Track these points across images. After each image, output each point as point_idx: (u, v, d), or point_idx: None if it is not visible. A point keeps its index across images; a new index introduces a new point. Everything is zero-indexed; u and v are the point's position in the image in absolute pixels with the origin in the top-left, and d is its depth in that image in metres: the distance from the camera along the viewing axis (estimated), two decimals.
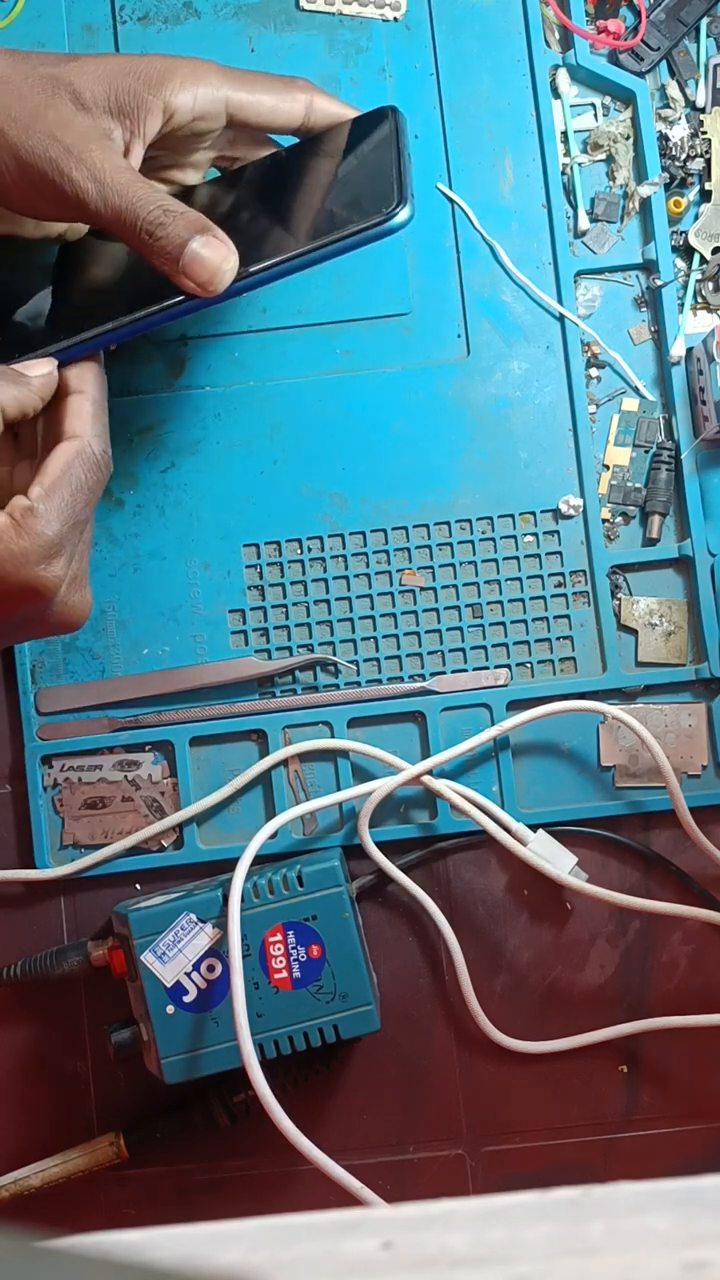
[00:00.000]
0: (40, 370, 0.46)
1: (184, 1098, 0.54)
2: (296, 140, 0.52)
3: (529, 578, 0.57)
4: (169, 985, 0.50)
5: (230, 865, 0.53)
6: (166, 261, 0.45)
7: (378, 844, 0.55)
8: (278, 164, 0.52)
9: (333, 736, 0.57)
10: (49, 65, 0.46)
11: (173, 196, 0.46)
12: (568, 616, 0.57)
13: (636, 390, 0.58)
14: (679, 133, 0.58)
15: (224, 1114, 0.53)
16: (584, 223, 0.58)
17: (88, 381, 0.47)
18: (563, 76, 0.59)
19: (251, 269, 0.46)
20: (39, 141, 0.45)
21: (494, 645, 0.57)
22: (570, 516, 0.57)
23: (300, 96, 0.49)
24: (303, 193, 0.49)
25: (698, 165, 0.58)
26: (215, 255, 0.45)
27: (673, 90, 0.59)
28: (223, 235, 0.46)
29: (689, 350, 0.57)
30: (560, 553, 0.57)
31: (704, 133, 0.58)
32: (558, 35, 0.59)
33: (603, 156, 0.59)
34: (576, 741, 0.57)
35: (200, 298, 0.46)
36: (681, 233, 0.58)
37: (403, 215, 0.46)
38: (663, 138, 0.58)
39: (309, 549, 0.58)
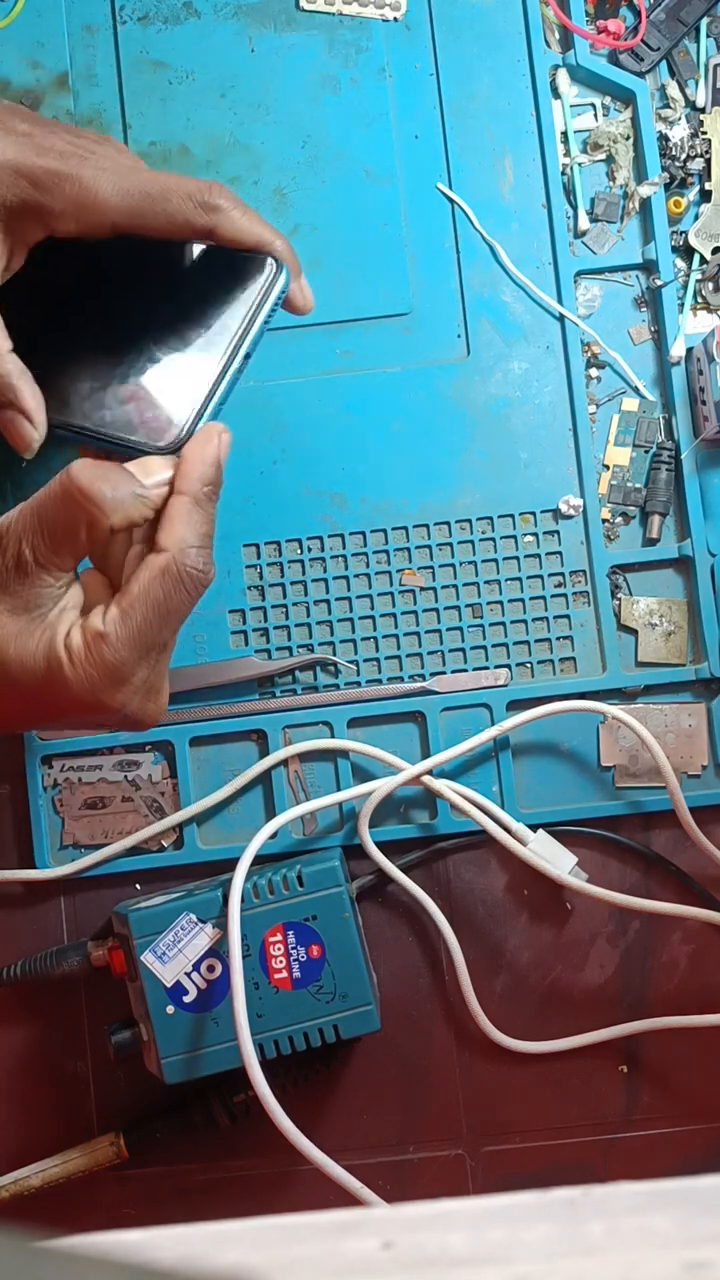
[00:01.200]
0: (158, 477, 0.42)
1: (184, 1098, 0.54)
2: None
3: (529, 578, 0.57)
4: (169, 985, 0.50)
5: (230, 865, 0.53)
6: None
7: (378, 844, 0.55)
8: (145, 273, 0.48)
9: (333, 736, 0.57)
10: None
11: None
12: (568, 616, 0.57)
13: (636, 390, 0.58)
14: (679, 133, 0.58)
15: (224, 1114, 0.53)
16: (584, 223, 0.58)
17: (191, 478, 0.42)
18: (563, 76, 0.59)
19: (53, 420, 0.45)
20: None
21: (494, 645, 0.57)
22: (570, 516, 0.57)
23: (202, 222, 0.45)
24: (134, 344, 0.46)
25: (698, 165, 0.58)
26: (17, 433, 0.45)
27: (673, 90, 0.59)
28: (27, 406, 0.44)
29: (689, 350, 0.57)
30: (560, 553, 0.57)
31: (704, 133, 0.58)
32: (558, 35, 0.59)
33: (603, 156, 0.59)
34: (576, 741, 0.57)
35: None
36: (681, 233, 0.58)
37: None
38: (663, 138, 0.58)
39: (309, 549, 0.58)
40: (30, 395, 0.45)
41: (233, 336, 0.45)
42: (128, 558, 0.43)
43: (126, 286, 0.47)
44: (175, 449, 0.43)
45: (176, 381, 0.45)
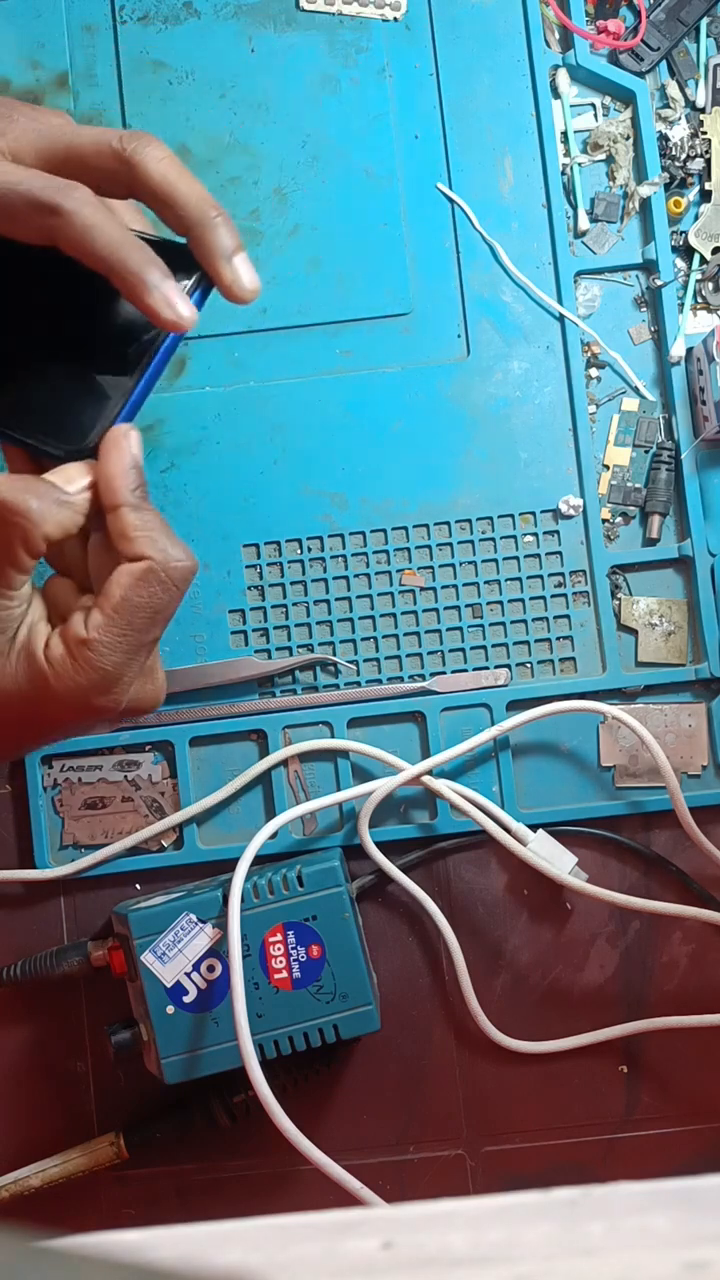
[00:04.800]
0: (80, 483, 0.40)
1: (184, 1098, 0.54)
2: None
3: (529, 578, 0.57)
4: (169, 985, 0.50)
5: (230, 865, 0.53)
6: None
7: (378, 844, 0.55)
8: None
9: (333, 736, 0.57)
10: None
11: None
12: (568, 616, 0.57)
13: (636, 390, 0.58)
14: (679, 133, 0.58)
15: (224, 1114, 0.53)
16: (584, 223, 0.58)
17: (117, 489, 0.40)
18: (563, 76, 0.59)
19: None
20: None
21: (494, 645, 0.57)
22: (570, 516, 0.57)
23: (118, 164, 0.40)
24: (48, 347, 0.43)
25: (698, 165, 0.58)
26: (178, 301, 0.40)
27: (673, 90, 0.59)
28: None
29: (689, 350, 0.57)
30: (560, 553, 0.57)
31: (704, 133, 0.58)
32: (558, 35, 0.59)
33: (603, 156, 0.59)
34: (576, 741, 0.57)
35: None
36: (681, 233, 0.58)
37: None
38: (663, 138, 0.58)
39: (309, 549, 0.58)
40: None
41: (149, 339, 0.42)
42: (90, 555, 0.42)
43: (43, 290, 0.44)
44: (85, 454, 0.41)
45: (90, 385, 0.43)
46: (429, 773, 0.55)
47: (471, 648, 0.57)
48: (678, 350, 0.57)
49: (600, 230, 0.59)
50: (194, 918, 0.51)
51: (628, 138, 0.59)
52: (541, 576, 0.57)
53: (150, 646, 0.41)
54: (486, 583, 0.57)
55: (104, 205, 0.40)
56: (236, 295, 0.41)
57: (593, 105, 0.59)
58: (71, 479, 0.41)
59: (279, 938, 0.51)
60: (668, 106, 0.59)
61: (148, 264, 0.40)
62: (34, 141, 0.41)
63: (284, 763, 0.57)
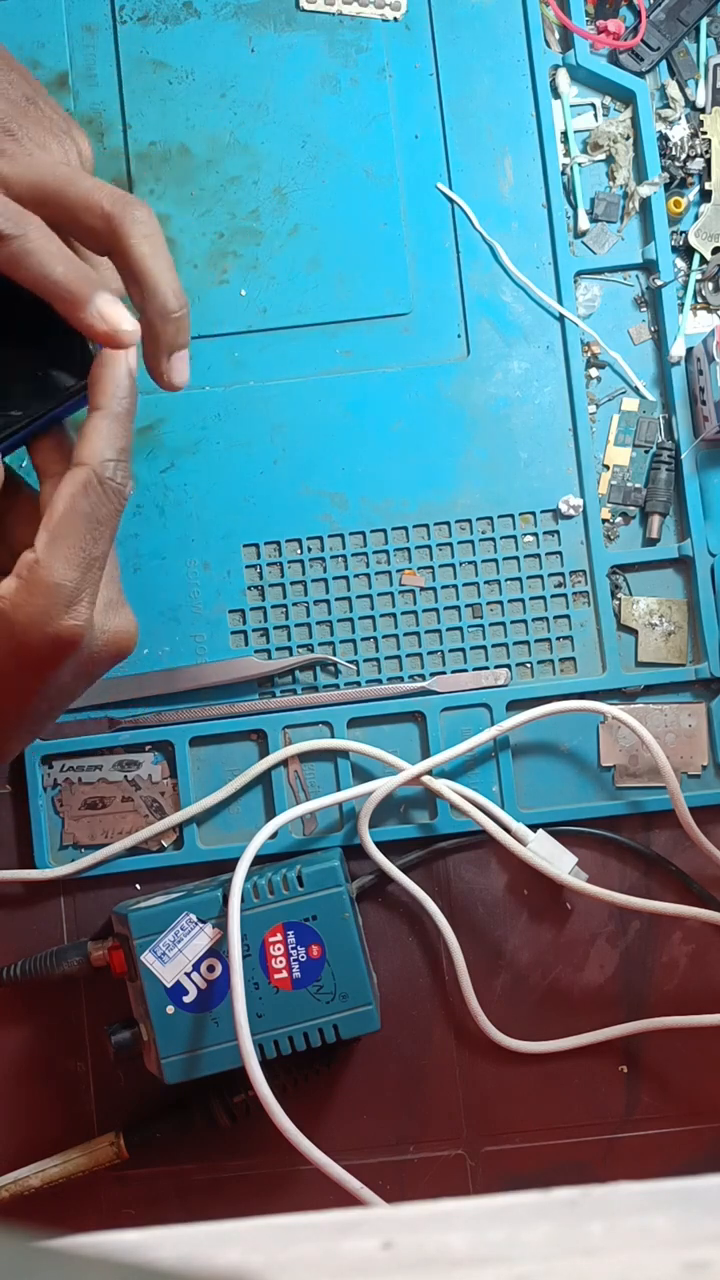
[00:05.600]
0: None
1: (184, 1098, 0.54)
2: None
3: (529, 578, 0.57)
4: (169, 985, 0.50)
5: (230, 865, 0.53)
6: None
7: (378, 844, 0.55)
8: None
9: (333, 736, 0.57)
10: None
11: None
12: (568, 616, 0.57)
13: (636, 390, 0.58)
14: (679, 133, 0.58)
15: (224, 1114, 0.53)
16: (584, 223, 0.58)
17: (107, 394, 0.40)
18: (563, 76, 0.59)
19: None
20: None
21: (494, 645, 0.57)
22: (570, 516, 0.57)
23: (101, 224, 0.41)
24: None
25: (698, 165, 0.58)
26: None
27: (673, 90, 0.59)
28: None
29: (689, 350, 0.57)
30: (560, 553, 0.57)
31: (704, 133, 0.58)
32: (558, 35, 0.59)
33: (603, 156, 0.59)
34: (576, 741, 0.57)
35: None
36: (681, 233, 0.58)
37: None
38: (663, 138, 0.58)
39: (309, 549, 0.58)
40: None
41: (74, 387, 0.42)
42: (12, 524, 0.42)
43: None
44: None
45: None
46: (429, 773, 0.55)
47: (471, 648, 0.57)
48: (678, 350, 0.57)
49: (600, 230, 0.59)
50: (194, 918, 0.51)
51: (628, 138, 0.59)
52: (541, 576, 0.57)
53: (100, 562, 0.41)
54: (486, 583, 0.57)
55: (55, 237, 0.40)
56: (162, 385, 0.43)
57: (593, 105, 0.59)
58: None
59: (279, 938, 0.51)
60: (668, 106, 0.59)
61: (91, 284, 0.40)
62: (26, 174, 0.41)
63: (284, 763, 0.57)
